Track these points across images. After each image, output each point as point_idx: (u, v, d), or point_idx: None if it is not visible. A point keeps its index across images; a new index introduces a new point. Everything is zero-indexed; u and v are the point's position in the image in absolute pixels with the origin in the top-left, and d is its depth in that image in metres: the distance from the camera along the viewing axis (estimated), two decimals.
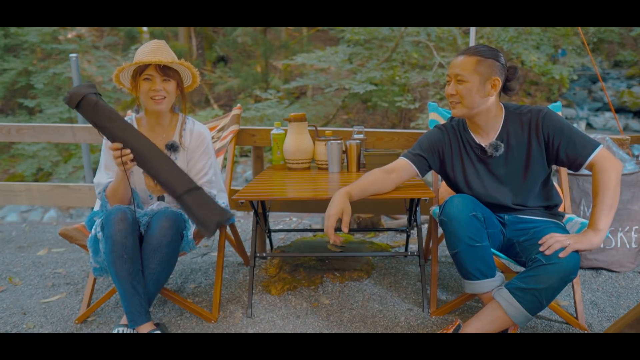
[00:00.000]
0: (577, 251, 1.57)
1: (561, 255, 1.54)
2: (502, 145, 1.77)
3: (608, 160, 1.65)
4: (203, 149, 2.02)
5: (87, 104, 1.60)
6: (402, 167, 1.89)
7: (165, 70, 1.88)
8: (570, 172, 2.39)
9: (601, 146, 1.68)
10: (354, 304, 2.17)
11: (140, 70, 1.87)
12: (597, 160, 1.66)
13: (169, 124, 2.01)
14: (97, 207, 2.03)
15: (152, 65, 1.86)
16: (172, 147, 1.97)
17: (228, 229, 2.29)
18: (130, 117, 2.03)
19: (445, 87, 1.81)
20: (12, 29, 9.24)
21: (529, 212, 1.83)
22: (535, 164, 1.76)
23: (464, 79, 1.72)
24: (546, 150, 1.75)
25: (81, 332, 2.02)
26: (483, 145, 1.81)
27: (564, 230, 1.78)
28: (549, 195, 1.84)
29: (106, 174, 1.97)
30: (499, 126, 1.80)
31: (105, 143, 1.97)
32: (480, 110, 1.76)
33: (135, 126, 2.00)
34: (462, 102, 1.75)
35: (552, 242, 1.58)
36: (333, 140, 2.37)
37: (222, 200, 2.10)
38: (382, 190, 1.87)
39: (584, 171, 1.75)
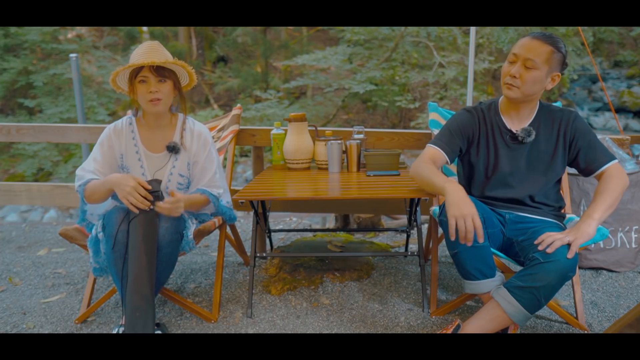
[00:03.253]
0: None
1: (569, 256, 1.55)
2: (534, 132, 1.77)
3: (619, 172, 1.71)
4: (207, 151, 2.02)
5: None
6: (437, 157, 1.84)
7: (160, 71, 1.86)
8: (570, 172, 2.39)
9: (616, 160, 1.74)
10: (354, 304, 2.17)
11: (135, 73, 1.86)
12: (609, 169, 1.72)
13: (167, 124, 2.01)
14: (100, 210, 2.02)
15: (146, 67, 1.84)
16: (174, 149, 1.97)
17: (228, 229, 2.29)
18: (130, 116, 2.02)
19: (505, 65, 1.75)
20: (12, 29, 9.24)
21: (534, 211, 1.83)
22: (558, 161, 1.80)
23: (534, 65, 1.68)
24: (568, 150, 1.79)
25: (81, 332, 2.02)
26: (514, 130, 1.81)
27: (563, 230, 1.79)
28: (557, 197, 1.88)
29: (93, 174, 1.93)
30: (532, 116, 1.81)
31: (101, 144, 1.97)
32: (532, 100, 1.76)
33: (135, 127, 2.00)
34: (521, 87, 1.71)
35: (551, 240, 1.58)
36: (333, 140, 2.37)
37: (227, 199, 2.10)
38: None
39: None
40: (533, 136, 1.77)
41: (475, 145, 1.87)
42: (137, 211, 1.72)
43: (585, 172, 1.77)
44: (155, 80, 1.86)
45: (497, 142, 1.83)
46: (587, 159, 1.75)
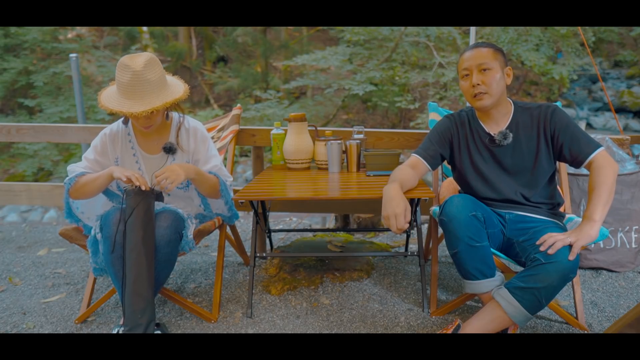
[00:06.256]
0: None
1: (570, 257, 1.54)
2: (511, 134, 1.81)
3: (607, 160, 1.70)
4: (206, 145, 2.03)
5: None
6: (417, 164, 1.91)
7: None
8: (570, 172, 2.39)
9: (603, 148, 1.73)
10: (354, 304, 2.17)
11: None
12: (596, 159, 1.70)
13: (162, 126, 2.00)
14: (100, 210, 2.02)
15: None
16: (170, 150, 1.97)
17: (228, 229, 2.29)
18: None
19: (462, 83, 1.83)
20: (12, 29, 9.24)
21: (533, 210, 1.83)
22: (542, 158, 1.80)
23: (488, 66, 1.76)
24: (552, 145, 1.79)
25: (81, 332, 2.02)
26: (492, 133, 1.84)
27: (564, 231, 1.78)
28: (552, 194, 1.87)
29: (84, 170, 1.92)
30: (509, 118, 1.84)
31: (95, 147, 1.96)
32: (500, 100, 1.81)
33: (131, 129, 1.99)
34: (489, 91, 1.77)
35: (552, 241, 1.58)
36: (333, 140, 2.37)
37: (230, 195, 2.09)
38: (413, 186, 1.90)
39: (584, 171, 1.78)
40: (510, 139, 1.80)
41: (458, 149, 1.91)
42: (137, 183, 1.74)
43: (574, 164, 1.78)
44: (144, 117, 1.82)
45: (479, 146, 1.87)
46: (572, 152, 1.75)
